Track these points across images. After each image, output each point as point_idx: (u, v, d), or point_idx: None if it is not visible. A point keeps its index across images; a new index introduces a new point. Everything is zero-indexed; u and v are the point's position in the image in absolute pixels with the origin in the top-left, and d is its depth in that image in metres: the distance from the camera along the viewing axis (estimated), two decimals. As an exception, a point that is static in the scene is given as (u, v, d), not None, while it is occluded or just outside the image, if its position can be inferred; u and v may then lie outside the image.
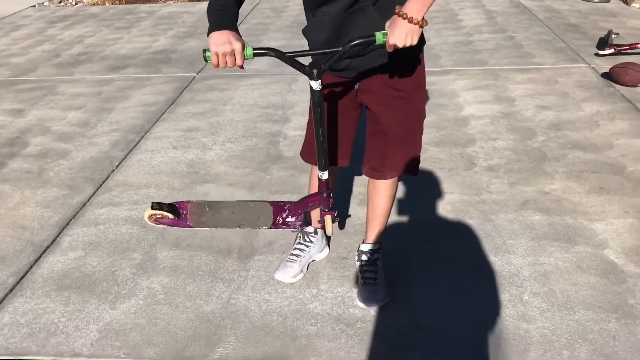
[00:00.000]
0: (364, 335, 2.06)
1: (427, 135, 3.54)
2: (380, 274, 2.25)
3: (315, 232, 2.41)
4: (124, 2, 8.27)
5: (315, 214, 2.39)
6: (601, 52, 4.85)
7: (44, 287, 2.38)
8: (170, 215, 2.09)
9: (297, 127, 3.76)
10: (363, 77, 1.96)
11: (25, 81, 4.98)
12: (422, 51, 1.98)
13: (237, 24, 1.72)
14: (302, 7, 1.97)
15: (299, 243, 2.41)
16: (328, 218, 2.16)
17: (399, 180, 2.23)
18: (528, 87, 4.31)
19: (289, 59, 1.75)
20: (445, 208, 2.82)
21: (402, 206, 2.83)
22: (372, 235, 2.27)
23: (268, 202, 2.20)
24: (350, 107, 2.07)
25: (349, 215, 2.74)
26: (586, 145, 3.39)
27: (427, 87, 4.26)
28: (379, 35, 1.63)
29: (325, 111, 2.00)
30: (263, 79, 4.72)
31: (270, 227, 2.17)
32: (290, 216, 2.18)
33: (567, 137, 3.49)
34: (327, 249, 2.50)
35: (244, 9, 7.15)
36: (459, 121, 3.78)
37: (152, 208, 2.06)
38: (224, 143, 3.61)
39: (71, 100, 4.46)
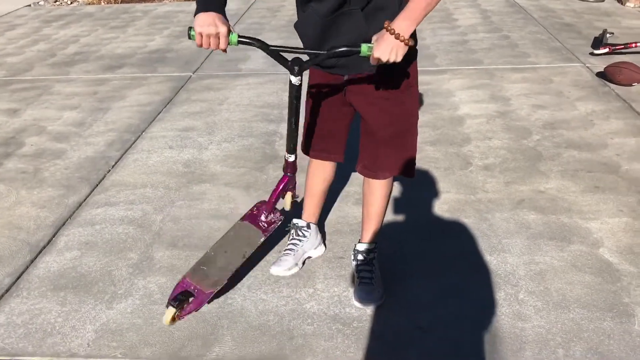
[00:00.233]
0: (360, 334, 2.06)
1: (423, 135, 3.55)
2: (376, 274, 2.26)
3: (308, 227, 2.42)
4: (120, 1, 8.25)
5: (307, 209, 2.41)
6: (596, 52, 4.87)
7: (40, 287, 2.38)
8: (189, 300, 2.05)
9: (293, 126, 3.76)
10: (352, 75, 1.97)
11: (21, 81, 4.97)
12: (411, 53, 1.98)
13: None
14: (294, 5, 1.99)
15: (293, 238, 2.42)
16: (289, 195, 2.30)
17: (395, 180, 2.23)
18: (523, 86, 4.33)
19: (272, 52, 1.78)
20: (441, 207, 2.83)
21: (398, 205, 2.83)
22: (368, 235, 2.27)
23: (239, 220, 2.22)
24: (341, 103, 2.08)
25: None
26: (581, 144, 3.40)
27: (422, 87, 4.27)
28: (364, 48, 1.66)
29: (304, 104, 2.11)
30: (259, 79, 4.72)
31: (265, 235, 2.19)
32: (267, 215, 2.25)
33: (562, 136, 3.50)
34: (322, 246, 2.51)
35: (239, 9, 7.15)
36: (454, 120, 3.79)
37: (174, 307, 2.01)
38: (220, 143, 3.61)
39: (67, 100, 4.45)
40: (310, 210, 2.41)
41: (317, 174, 2.33)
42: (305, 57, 1.83)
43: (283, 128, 3.76)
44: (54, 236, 2.72)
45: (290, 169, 2.24)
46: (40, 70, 5.24)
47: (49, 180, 3.24)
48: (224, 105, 4.21)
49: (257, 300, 2.25)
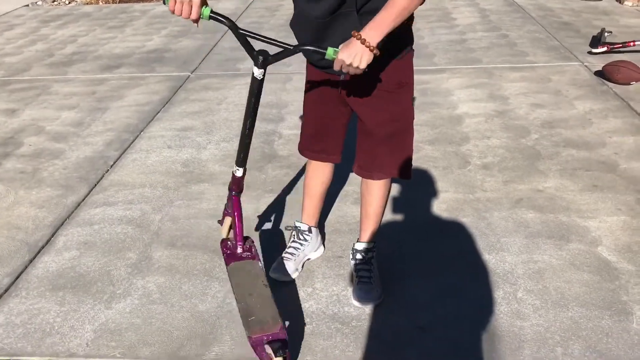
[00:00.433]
0: (359, 333, 2.07)
1: (421, 134, 3.55)
2: (375, 273, 2.26)
3: (310, 231, 2.41)
4: (118, 1, 8.25)
5: (306, 211, 2.39)
6: (594, 50, 4.87)
7: (39, 287, 2.38)
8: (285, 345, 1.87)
9: (291, 126, 3.76)
10: (348, 76, 1.97)
11: (19, 81, 4.96)
12: (408, 50, 1.98)
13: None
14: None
15: (294, 241, 2.41)
16: (227, 220, 2.13)
17: (392, 180, 2.23)
18: (522, 85, 4.33)
19: (240, 35, 1.76)
20: (440, 206, 2.83)
21: (397, 205, 2.83)
22: (366, 235, 2.27)
23: (228, 267, 2.14)
24: (338, 103, 2.08)
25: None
26: (579, 143, 3.41)
27: (421, 86, 4.27)
28: (329, 51, 1.66)
29: (301, 104, 2.00)
30: (257, 78, 4.70)
31: (259, 260, 2.15)
32: (242, 246, 2.13)
33: (560, 135, 3.51)
34: (322, 247, 2.51)
35: (237, 8, 7.15)
36: (453, 119, 3.79)
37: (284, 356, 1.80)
38: (218, 142, 3.61)
39: (65, 100, 4.44)
40: (310, 212, 2.41)
41: (316, 175, 2.32)
42: (275, 50, 1.77)
43: (282, 127, 3.76)
44: (52, 236, 2.72)
45: (236, 186, 2.01)
46: (38, 70, 5.23)
47: (48, 180, 3.24)
48: (223, 104, 4.21)
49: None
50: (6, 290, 2.37)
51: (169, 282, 2.37)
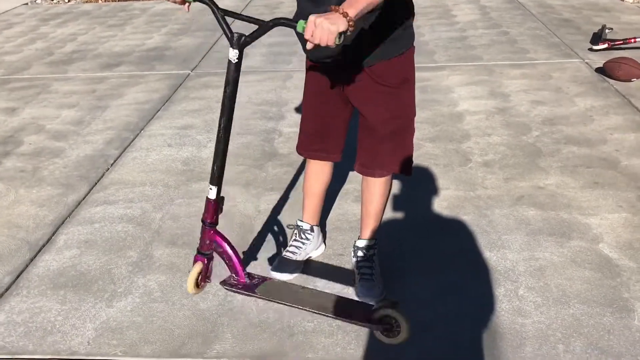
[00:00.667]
0: (360, 331, 2.06)
1: (422, 131, 3.55)
2: (376, 270, 2.26)
3: (312, 230, 2.41)
4: (117, -1, 8.23)
5: (307, 210, 2.39)
6: (595, 47, 4.86)
7: (40, 285, 2.38)
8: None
9: (292, 123, 3.76)
10: (349, 70, 1.97)
11: (19, 79, 4.96)
12: (408, 47, 1.98)
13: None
14: (295, 3, 1.98)
15: (295, 240, 2.41)
16: (197, 267, 1.94)
17: (393, 177, 2.23)
18: (522, 82, 4.32)
19: (220, 16, 1.76)
20: (441, 204, 2.82)
21: (397, 202, 2.83)
22: (367, 232, 2.27)
23: (224, 287, 2.12)
24: (340, 100, 2.08)
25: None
26: (580, 140, 3.40)
27: (421, 83, 4.26)
28: (300, 22, 1.57)
29: (301, 102, 1.98)
30: (257, 76, 4.71)
31: (271, 278, 2.13)
32: (247, 276, 2.09)
33: (561, 132, 3.50)
34: (323, 245, 2.51)
35: (237, 6, 7.13)
36: (453, 117, 3.79)
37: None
38: (219, 140, 3.60)
39: (65, 99, 4.44)
40: (311, 211, 2.40)
41: (315, 175, 2.31)
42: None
43: (282, 125, 3.76)
44: (53, 235, 2.72)
45: (210, 214, 1.74)
46: (38, 68, 5.23)
47: (48, 178, 3.24)
48: (223, 102, 4.20)
49: (257, 298, 2.24)
50: (7, 289, 2.37)
51: (170, 280, 2.37)
